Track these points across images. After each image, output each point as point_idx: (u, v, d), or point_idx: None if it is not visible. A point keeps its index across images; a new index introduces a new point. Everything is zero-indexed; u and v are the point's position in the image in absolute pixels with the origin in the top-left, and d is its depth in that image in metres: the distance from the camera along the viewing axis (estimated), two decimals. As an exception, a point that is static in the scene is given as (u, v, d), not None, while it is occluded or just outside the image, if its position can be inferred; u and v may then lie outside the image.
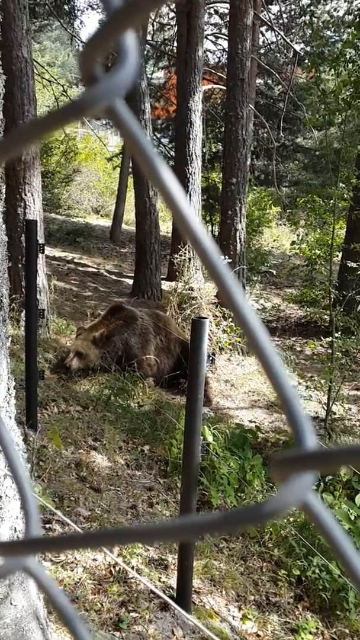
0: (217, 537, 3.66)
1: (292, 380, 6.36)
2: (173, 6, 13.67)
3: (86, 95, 0.22)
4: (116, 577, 2.95)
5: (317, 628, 3.24)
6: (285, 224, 17.42)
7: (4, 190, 1.90)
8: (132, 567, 3.03)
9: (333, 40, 14.92)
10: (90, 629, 2.56)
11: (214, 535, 3.40)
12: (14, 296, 5.49)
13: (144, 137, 0.23)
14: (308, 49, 15.31)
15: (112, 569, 3.01)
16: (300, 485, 0.21)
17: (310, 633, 3.17)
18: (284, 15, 16.35)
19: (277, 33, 15.13)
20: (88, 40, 0.22)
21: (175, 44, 11.86)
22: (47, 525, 3.20)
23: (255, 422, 5.74)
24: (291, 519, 3.88)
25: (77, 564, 2.97)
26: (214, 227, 14.85)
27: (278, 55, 17.05)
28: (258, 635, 3.00)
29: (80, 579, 2.85)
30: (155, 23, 16.33)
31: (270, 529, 3.74)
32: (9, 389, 1.93)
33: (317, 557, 3.48)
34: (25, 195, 5.86)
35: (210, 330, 7.03)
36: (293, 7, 16.59)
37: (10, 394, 1.95)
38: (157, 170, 0.23)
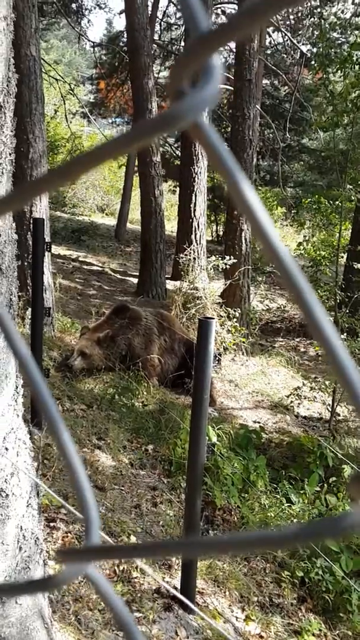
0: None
1: (299, 388, 6.36)
2: (180, 6, 13.64)
3: (174, 109, 0.23)
4: (120, 576, 2.96)
5: (320, 630, 3.24)
6: (290, 225, 17.42)
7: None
8: (136, 567, 3.04)
9: (340, 41, 14.90)
10: (94, 628, 2.57)
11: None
12: (20, 294, 5.50)
13: (226, 152, 0.23)
14: (315, 50, 15.28)
15: (116, 568, 3.01)
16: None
17: (314, 635, 3.17)
18: (291, 17, 16.33)
19: (284, 34, 15.12)
20: (178, 59, 0.23)
21: (182, 43, 11.85)
22: (52, 524, 3.20)
23: (259, 422, 5.75)
24: (294, 520, 3.88)
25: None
26: (219, 227, 14.86)
27: (285, 56, 17.04)
28: (261, 637, 3.01)
29: (84, 578, 2.86)
30: (162, 22, 16.33)
31: (273, 530, 3.73)
32: (17, 387, 1.93)
33: (320, 559, 3.48)
34: (32, 193, 5.86)
35: (215, 331, 7.03)
36: (300, 8, 16.56)
37: (18, 392, 1.95)
38: (238, 185, 0.23)
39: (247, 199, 0.23)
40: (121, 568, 3.01)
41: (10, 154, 1.77)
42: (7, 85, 1.73)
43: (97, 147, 0.26)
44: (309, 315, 0.23)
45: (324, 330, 0.23)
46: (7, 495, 1.83)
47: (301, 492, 4.24)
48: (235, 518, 3.96)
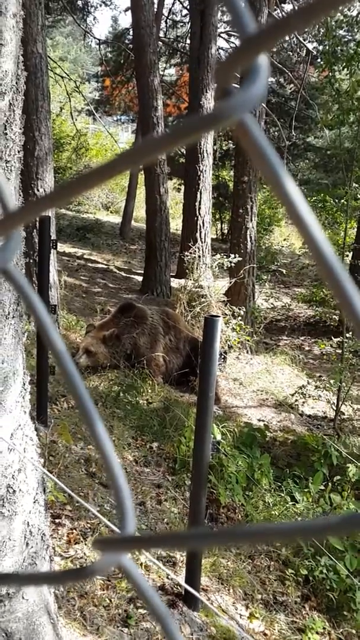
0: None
1: (304, 387, 6.36)
2: (186, 3, 13.65)
3: (221, 106, 0.23)
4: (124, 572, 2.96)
5: (324, 628, 3.24)
6: (295, 223, 17.37)
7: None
8: (141, 564, 3.05)
9: (346, 39, 14.84)
10: (99, 624, 2.58)
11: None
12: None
13: (271, 151, 0.24)
14: (321, 48, 15.24)
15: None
16: None
17: (317, 633, 3.17)
18: (298, 14, 16.25)
19: (290, 31, 15.03)
20: (226, 58, 0.23)
21: (188, 41, 11.85)
22: (57, 520, 3.21)
23: (263, 420, 5.75)
24: (299, 519, 3.89)
25: (86, 560, 2.99)
26: (224, 225, 14.86)
27: (291, 53, 17.00)
28: (265, 634, 3.01)
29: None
30: (168, 20, 16.31)
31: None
32: (24, 384, 1.94)
33: (324, 557, 3.48)
34: (38, 190, 5.88)
35: (220, 329, 7.03)
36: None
37: (25, 389, 1.96)
38: (283, 184, 0.24)
39: (292, 199, 0.23)
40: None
41: (18, 152, 1.78)
42: (17, 83, 1.73)
43: (143, 143, 0.27)
44: (344, 301, 0.24)
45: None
46: (14, 491, 1.84)
47: (305, 490, 4.24)
48: (240, 516, 3.97)
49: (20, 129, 1.79)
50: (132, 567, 0.32)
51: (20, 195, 1.91)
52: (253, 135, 0.24)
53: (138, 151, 0.28)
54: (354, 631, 3.31)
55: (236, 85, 0.23)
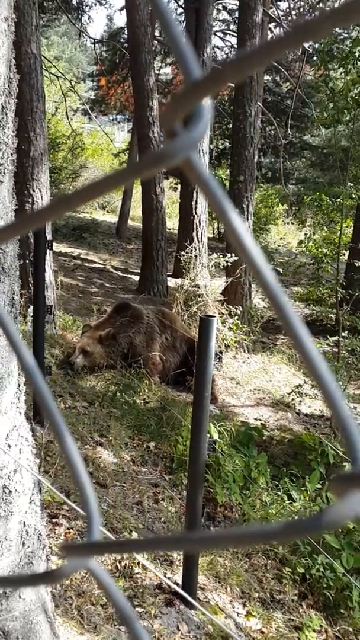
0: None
1: (301, 386, 6.38)
2: (181, 2, 13.64)
3: (169, 147, 0.25)
4: (122, 572, 2.98)
5: (321, 626, 3.26)
6: (292, 222, 17.43)
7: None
8: (138, 563, 3.06)
9: (342, 37, 14.86)
10: (96, 623, 2.59)
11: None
12: (21, 292, 5.51)
13: (215, 184, 0.25)
14: (317, 46, 15.26)
15: (117, 564, 3.04)
16: (355, 500, 0.23)
17: (314, 631, 3.19)
18: (293, 12, 16.30)
19: (285, 30, 15.06)
20: (171, 101, 0.25)
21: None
22: (54, 520, 3.23)
23: (260, 419, 5.76)
24: (296, 518, 3.90)
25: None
26: (220, 225, 14.86)
27: (287, 52, 16.99)
28: (262, 632, 3.03)
29: (86, 573, 2.88)
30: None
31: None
32: (19, 385, 1.95)
33: (321, 556, 3.50)
34: (34, 191, 5.88)
35: (217, 328, 7.04)
36: (302, 3, 16.54)
37: (20, 390, 1.97)
38: (227, 214, 0.25)
39: (235, 228, 0.25)
40: (123, 564, 3.03)
41: (12, 154, 1.79)
42: (9, 86, 1.74)
43: (95, 182, 0.28)
44: (287, 326, 0.25)
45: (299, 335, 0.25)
46: (10, 491, 1.85)
47: (302, 489, 4.26)
48: (237, 515, 3.98)
49: (14, 131, 1.80)
50: (99, 571, 0.33)
51: (14, 197, 1.92)
52: (198, 171, 0.25)
53: (93, 186, 0.29)
54: (350, 629, 3.33)
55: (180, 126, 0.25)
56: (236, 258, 8.22)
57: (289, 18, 16.13)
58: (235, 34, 12.96)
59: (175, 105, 0.25)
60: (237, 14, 12.15)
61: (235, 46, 9.69)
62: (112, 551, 0.33)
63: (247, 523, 3.90)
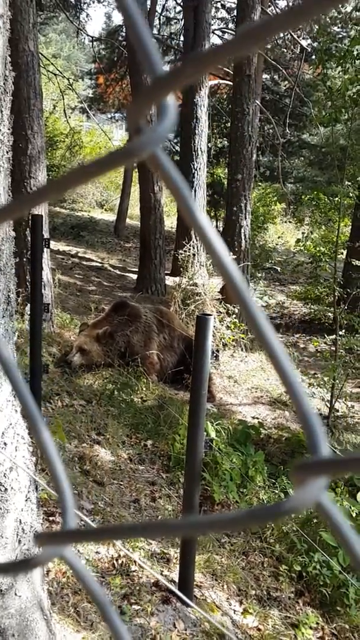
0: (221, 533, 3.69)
1: (303, 385, 6.38)
2: (180, 0, 13.63)
3: (134, 143, 0.25)
4: (119, 569, 2.99)
5: (317, 623, 3.27)
6: (290, 221, 17.43)
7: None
8: (134, 561, 3.07)
9: (340, 36, 14.87)
10: (93, 620, 2.60)
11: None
12: (18, 290, 5.52)
13: (181, 181, 0.26)
14: (315, 45, 15.26)
15: (114, 561, 3.04)
16: (315, 487, 0.24)
17: (311, 628, 3.20)
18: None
19: (242, 30, 15.02)
20: (135, 98, 0.25)
21: (182, 38, 11.85)
22: (51, 518, 3.23)
23: (258, 418, 5.77)
24: (293, 515, 3.91)
25: (80, 556, 3.00)
26: (218, 223, 14.88)
27: (285, 50, 17.00)
28: (259, 630, 3.04)
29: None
30: (161, 17, 16.30)
31: (272, 525, 3.77)
32: (15, 383, 1.95)
33: (318, 553, 3.51)
34: (31, 189, 5.88)
35: (214, 327, 7.05)
36: (300, 2, 16.48)
37: (16, 388, 1.97)
38: (193, 211, 0.26)
39: (199, 223, 0.25)
40: (120, 562, 3.04)
41: (7, 152, 1.79)
42: (4, 84, 1.74)
43: (54, 181, 0.28)
44: (260, 337, 0.26)
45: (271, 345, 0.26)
46: (6, 489, 1.86)
47: (299, 487, 4.26)
48: (234, 513, 3.99)
49: (9, 129, 1.80)
50: (74, 559, 0.34)
51: (9, 195, 1.92)
52: (164, 167, 0.26)
53: (65, 179, 0.29)
54: (347, 626, 3.34)
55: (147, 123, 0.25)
56: (234, 257, 8.22)
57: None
58: (234, 32, 12.95)
59: (139, 102, 0.25)
60: (235, 13, 12.15)
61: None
62: (87, 539, 0.34)
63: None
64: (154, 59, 0.26)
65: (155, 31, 15.41)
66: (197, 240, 9.72)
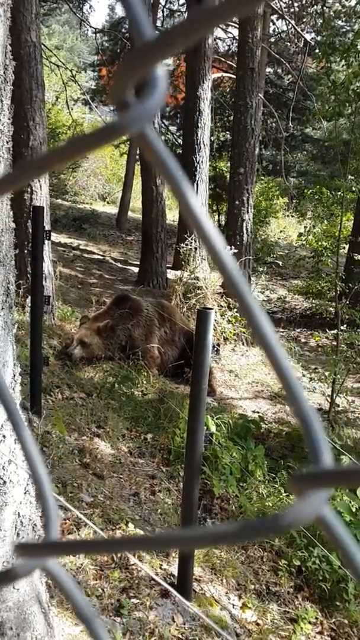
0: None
1: (299, 379, 6.37)
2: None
3: (120, 119, 0.23)
4: (118, 563, 2.98)
5: (316, 618, 3.27)
6: (292, 215, 17.37)
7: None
8: (134, 554, 3.06)
9: (344, 30, 14.78)
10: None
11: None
12: (19, 282, 5.50)
13: (171, 160, 0.24)
14: (319, 38, 15.16)
15: (113, 555, 3.04)
16: (316, 500, 0.22)
17: (310, 623, 3.20)
18: (295, 4, 16.18)
19: (288, 22, 14.98)
20: (120, 68, 0.23)
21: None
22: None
23: (258, 412, 5.76)
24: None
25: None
26: (220, 217, 14.84)
27: (288, 44, 16.89)
28: (257, 624, 3.04)
29: (82, 565, 2.89)
30: (165, 9, 16.19)
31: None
32: (14, 376, 1.94)
33: (317, 548, 3.50)
34: (32, 181, 5.85)
35: (215, 321, 7.04)
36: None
37: (15, 381, 1.96)
38: (183, 192, 0.24)
39: (191, 206, 0.24)
40: (119, 555, 3.03)
41: (7, 142, 1.77)
42: (4, 73, 1.72)
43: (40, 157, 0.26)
44: (251, 323, 0.24)
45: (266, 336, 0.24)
46: (4, 482, 1.85)
47: (299, 481, 4.26)
48: (233, 507, 3.98)
49: (9, 119, 1.78)
50: (57, 570, 0.32)
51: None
52: (154, 146, 0.24)
53: (45, 158, 0.27)
54: (346, 621, 3.34)
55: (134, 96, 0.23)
56: (236, 251, 8.20)
57: (291, 10, 16.02)
58: (237, 25, 12.87)
59: (125, 72, 0.23)
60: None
61: (237, 38, 9.62)
62: (69, 552, 0.32)
63: (244, 515, 3.91)
64: (142, 20, 0.23)
65: (158, 23, 15.31)
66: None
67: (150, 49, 0.22)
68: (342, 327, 5.92)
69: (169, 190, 0.24)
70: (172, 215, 13.60)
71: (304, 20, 16.58)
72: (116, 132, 0.23)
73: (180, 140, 13.94)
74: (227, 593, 3.18)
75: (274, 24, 16.56)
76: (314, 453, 0.23)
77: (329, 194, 7.03)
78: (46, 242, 4.73)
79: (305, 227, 8.32)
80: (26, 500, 1.97)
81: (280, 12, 14.44)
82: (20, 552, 0.32)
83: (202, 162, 10.05)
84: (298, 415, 0.24)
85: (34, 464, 0.33)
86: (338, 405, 5.92)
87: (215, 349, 6.75)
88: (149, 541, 0.28)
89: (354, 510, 3.77)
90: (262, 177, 15.41)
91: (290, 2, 15.93)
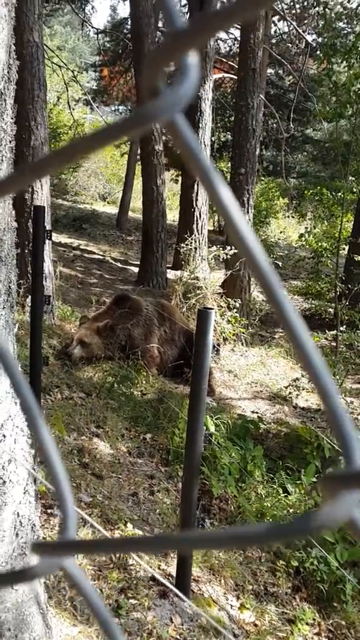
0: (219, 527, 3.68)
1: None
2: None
3: (150, 107, 0.23)
4: (116, 563, 2.98)
5: (314, 619, 3.27)
6: (292, 216, 17.38)
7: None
8: (132, 555, 3.06)
9: (345, 32, 14.76)
10: (90, 614, 2.59)
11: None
12: (20, 281, 5.50)
13: (201, 151, 0.23)
14: (320, 40, 15.16)
15: (112, 555, 3.03)
16: (348, 502, 0.22)
17: (307, 624, 3.20)
18: (297, 6, 16.19)
19: (289, 23, 14.99)
20: (152, 55, 0.23)
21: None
22: (49, 511, 3.22)
23: (257, 413, 5.75)
24: (291, 511, 3.91)
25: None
26: (220, 217, 14.83)
27: (290, 45, 16.90)
28: (255, 625, 3.03)
29: (80, 564, 2.88)
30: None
31: (270, 520, 3.76)
32: (15, 375, 1.93)
33: (315, 549, 3.50)
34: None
35: (215, 321, 7.03)
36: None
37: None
38: (214, 184, 0.23)
39: (222, 198, 0.23)
40: (117, 555, 3.03)
41: (10, 141, 1.76)
42: (8, 72, 1.72)
43: (74, 144, 0.26)
44: (281, 313, 0.23)
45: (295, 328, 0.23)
46: (4, 482, 1.84)
47: (298, 482, 4.26)
48: (232, 507, 3.98)
49: (12, 118, 1.78)
50: (74, 570, 0.32)
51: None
52: (184, 136, 0.23)
53: (72, 147, 0.27)
54: (343, 622, 3.34)
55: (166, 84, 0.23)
56: (235, 251, 8.19)
57: (293, 11, 16.03)
58: (239, 26, 12.87)
59: (157, 59, 0.23)
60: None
61: (239, 39, 9.63)
62: (86, 551, 0.32)
63: (242, 516, 3.90)
64: (173, 11, 0.23)
65: (160, 24, 15.29)
66: (199, 234, 9.70)
67: (182, 37, 0.22)
68: (341, 328, 5.92)
69: (199, 181, 0.23)
70: (172, 216, 13.60)
71: (306, 21, 16.58)
72: (147, 120, 0.23)
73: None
74: (225, 593, 3.18)
75: (275, 25, 16.56)
76: (347, 454, 0.23)
77: (329, 195, 7.03)
78: (47, 241, 4.72)
79: (305, 227, 8.33)
80: (25, 500, 1.96)
81: (282, 14, 14.45)
82: (37, 551, 0.31)
83: (202, 162, 10.03)
84: (331, 417, 0.23)
85: (52, 462, 0.32)
86: (337, 407, 5.91)
87: (216, 349, 6.74)
88: (175, 541, 0.28)
89: None
90: (263, 178, 15.42)
91: (291, 3, 15.94)
